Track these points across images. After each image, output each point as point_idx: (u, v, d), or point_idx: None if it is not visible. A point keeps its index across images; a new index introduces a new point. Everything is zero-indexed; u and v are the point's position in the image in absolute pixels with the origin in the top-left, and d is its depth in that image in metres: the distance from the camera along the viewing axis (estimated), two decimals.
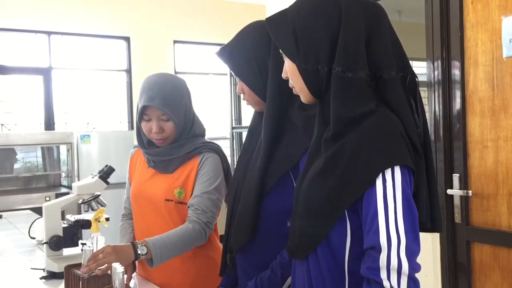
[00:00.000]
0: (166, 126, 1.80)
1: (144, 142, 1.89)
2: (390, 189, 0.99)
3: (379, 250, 0.97)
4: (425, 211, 1.08)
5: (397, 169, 1.00)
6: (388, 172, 0.99)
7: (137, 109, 1.83)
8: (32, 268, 2.08)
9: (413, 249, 0.98)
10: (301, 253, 1.14)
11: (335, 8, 1.09)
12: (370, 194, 1.00)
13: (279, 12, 1.18)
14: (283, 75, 1.20)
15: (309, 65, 1.10)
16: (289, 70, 1.15)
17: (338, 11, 1.09)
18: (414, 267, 0.97)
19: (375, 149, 1.01)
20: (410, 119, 1.07)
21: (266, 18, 1.18)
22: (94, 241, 1.72)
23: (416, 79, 1.12)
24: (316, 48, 1.09)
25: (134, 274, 1.90)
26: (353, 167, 1.02)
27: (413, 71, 1.12)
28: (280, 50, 1.17)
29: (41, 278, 1.95)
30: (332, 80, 1.08)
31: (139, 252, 1.61)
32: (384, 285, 0.97)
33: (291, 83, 1.18)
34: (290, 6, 1.17)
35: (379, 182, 0.99)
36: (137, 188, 1.91)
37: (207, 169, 1.82)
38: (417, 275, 1.00)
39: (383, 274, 0.97)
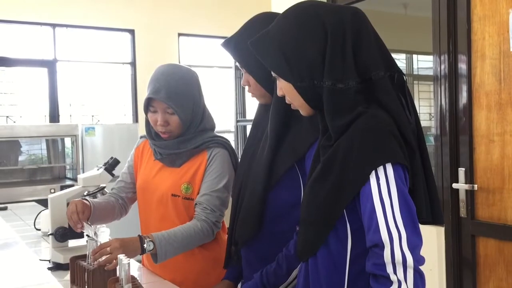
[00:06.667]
0: (172, 119, 1.77)
1: (152, 134, 1.87)
2: (384, 186, 1.01)
3: (382, 247, 0.99)
4: (424, 206, 1.10)
5: (389, 166, 1.02)
6: (380, 170, 1.02)
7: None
8: (40, 260, 2.09)
9: (414, 242, 1.00)
10: (304, 256, 1.18)
11: (319, 23, 1.10)
12: (365, 193, 1.02)
13: (260, 34, 1.17)
14: (279, 93, 1.21)
15: (305, 82, 1.12)
16: (285, 89, 1.17)
17: (322, 24, 1.10)
18: (418, 259, 0.99)
19: (365, 149, 1.03)
20: (402, 116, 1.09)
21: (250, 42, 1.18)
22: (99, 232, 1.72)
23: (404, 77, 1.15)
24: (309, 65, 1.10)
25: (140, 266, 1.90)
26: (346, 168, 1.05)
27: (399, 69, 1.14)
28: (272, 72, 1.18)
29: (48, 269, 1.96)
30: (324, 93, 1.10)
31: (145, 247, 1.60)
32: (391, 279, 0.98)
33: (288, 99, 1.19)
34: (272, 26, 1.17)
35: (372, 180, 1.02)
36: (144, 182, 1.88)
37: (216, 166, 1.78)
38: (421, 268, 1.01)
39: (389, 269, 0.99)
